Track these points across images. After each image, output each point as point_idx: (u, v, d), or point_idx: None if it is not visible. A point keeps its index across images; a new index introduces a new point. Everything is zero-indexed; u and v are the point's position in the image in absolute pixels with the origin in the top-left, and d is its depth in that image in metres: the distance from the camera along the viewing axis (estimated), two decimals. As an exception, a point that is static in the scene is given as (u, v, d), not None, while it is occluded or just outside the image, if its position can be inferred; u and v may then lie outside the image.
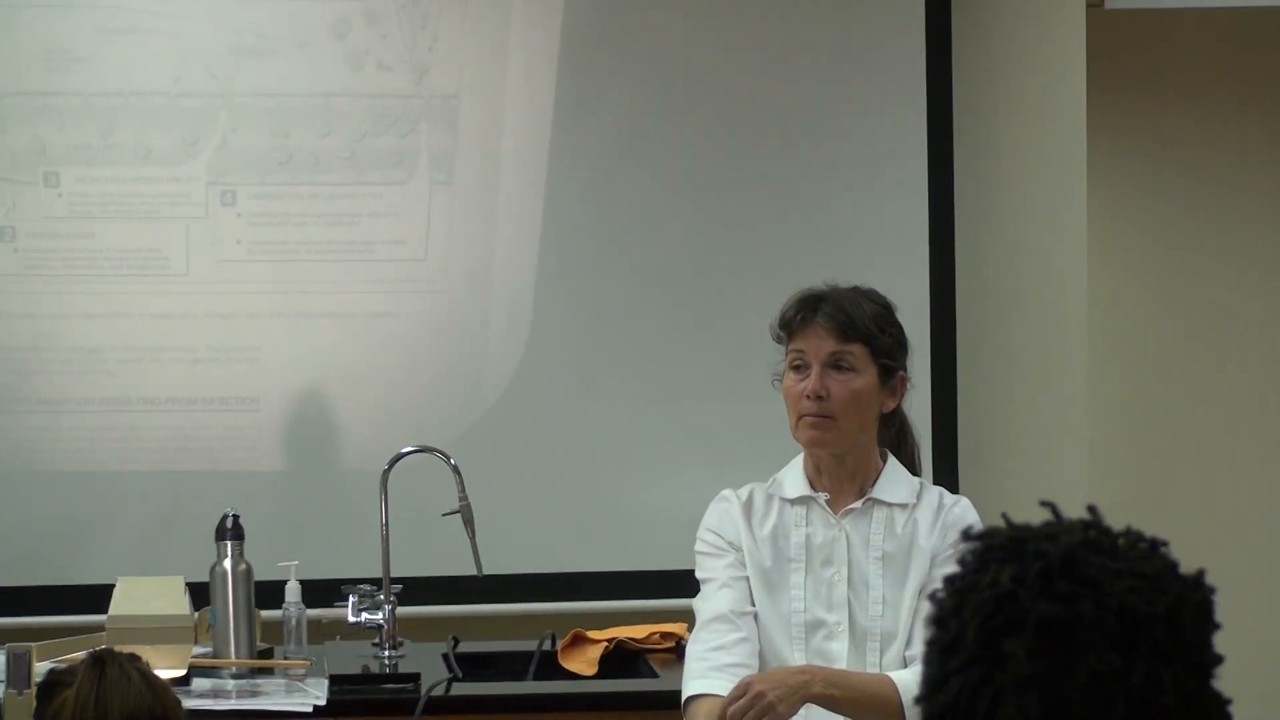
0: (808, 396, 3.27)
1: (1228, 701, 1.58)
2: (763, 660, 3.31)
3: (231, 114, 4.96)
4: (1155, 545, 1.60)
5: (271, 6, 4.97)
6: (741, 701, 3.11)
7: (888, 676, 3.23)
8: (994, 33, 5.15)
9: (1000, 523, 1.66)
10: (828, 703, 3.18)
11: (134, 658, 2.63)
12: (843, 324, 3.27)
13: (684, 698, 3.29)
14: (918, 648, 3.26)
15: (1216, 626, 1.57)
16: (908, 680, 3.20)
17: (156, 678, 2.63)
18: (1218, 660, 1.57)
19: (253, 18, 4.97)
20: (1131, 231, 6.04)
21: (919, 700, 1.63)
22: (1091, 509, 1.62)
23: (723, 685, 3.22)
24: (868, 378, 3.29)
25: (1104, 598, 1.55)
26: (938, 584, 3.27)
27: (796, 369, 3.31)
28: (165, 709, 2.57)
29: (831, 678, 3.20)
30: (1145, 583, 1.55)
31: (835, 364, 3.28)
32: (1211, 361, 6.03)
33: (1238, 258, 6.03)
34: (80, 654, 2.71)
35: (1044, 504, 1.64)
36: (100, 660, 2.59)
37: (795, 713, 3.16)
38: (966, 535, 1.64)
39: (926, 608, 3.22)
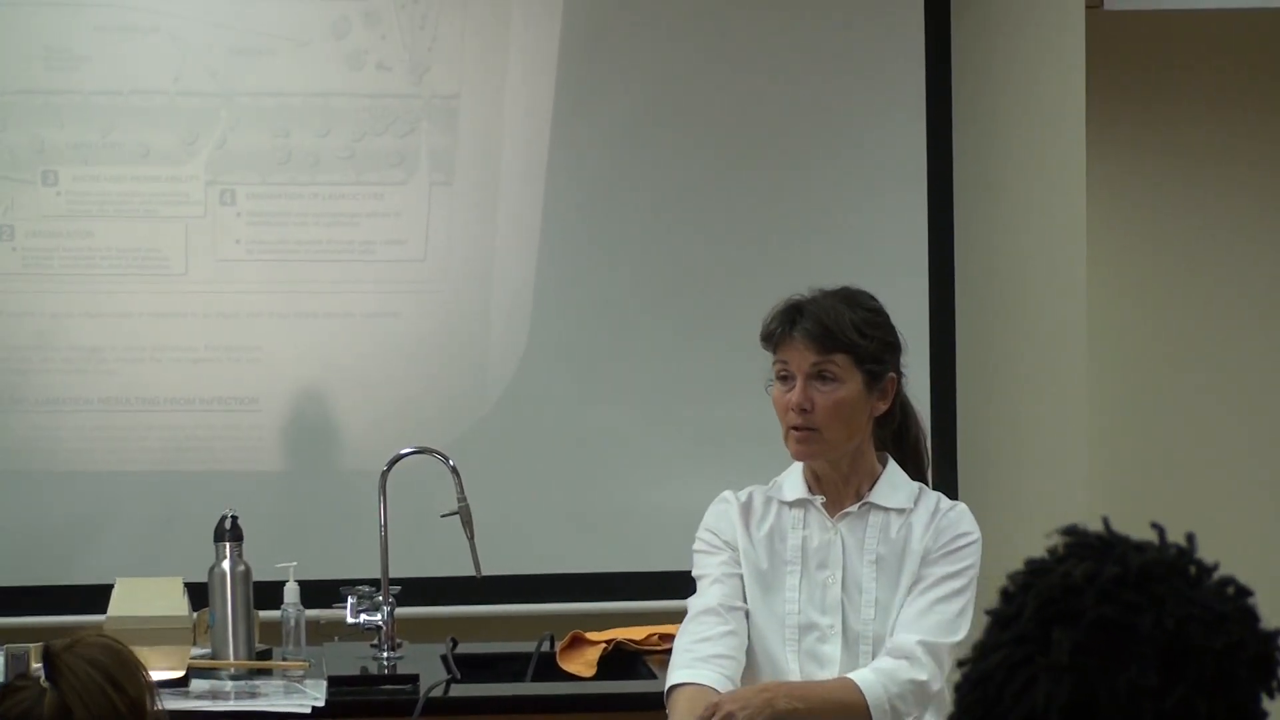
0: (792, 409, 3.28)
1: None
2: (756, 662, 3.33)
3: (231, 113, 4.96)
4: (1242, 591, 1.61)
5: (271, 6, 4.97)
6: None
7: (850, 679, 3.25)
8: (993, 34, 5.15)
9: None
10: (793, 717, 3.19)
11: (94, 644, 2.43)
12: (820, 337, 3.27)
13: (667, 686, 3.31)
14: (896, 638, 3.27)
15: (1276, 688, 1.58)
16: (870, 680, 3.23)
17: (117, 667, 2.43)
18: (1261, 716, 1.58)
19: (252, 17, 4.96)
20: (1131, 232, 6.04)
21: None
22: (1189, 537, 1.64)
23: (706, 675, 3.24)
24: (852, 386, 3.29)
25: (1164, 618, 1.57)
26: (924, 580, 3.31)
27: (783, 380, 3.32)
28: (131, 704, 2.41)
29: (794, 691, 3.22)
30: (1212, 616, 1.57)
31: (818, 375, 3.29)
32: (1212, 364, 6.02)
33: (1237, 259, 6.03)
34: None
35: (1154, 526, 1.65)
36: (52, 664, 2.39)
37: None
38: (1066, 531, 1.66)
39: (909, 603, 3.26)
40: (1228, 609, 1.59)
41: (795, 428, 3.30)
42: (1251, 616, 1.61)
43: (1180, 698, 1.54)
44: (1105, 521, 1.66)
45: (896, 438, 3.43)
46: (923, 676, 3.21)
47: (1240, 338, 6.03)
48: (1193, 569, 1.61)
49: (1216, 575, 1.62)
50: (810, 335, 3.27)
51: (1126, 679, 1.55)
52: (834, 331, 3.27)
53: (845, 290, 3.36)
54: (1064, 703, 1.55)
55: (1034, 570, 1.64)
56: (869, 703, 3.21)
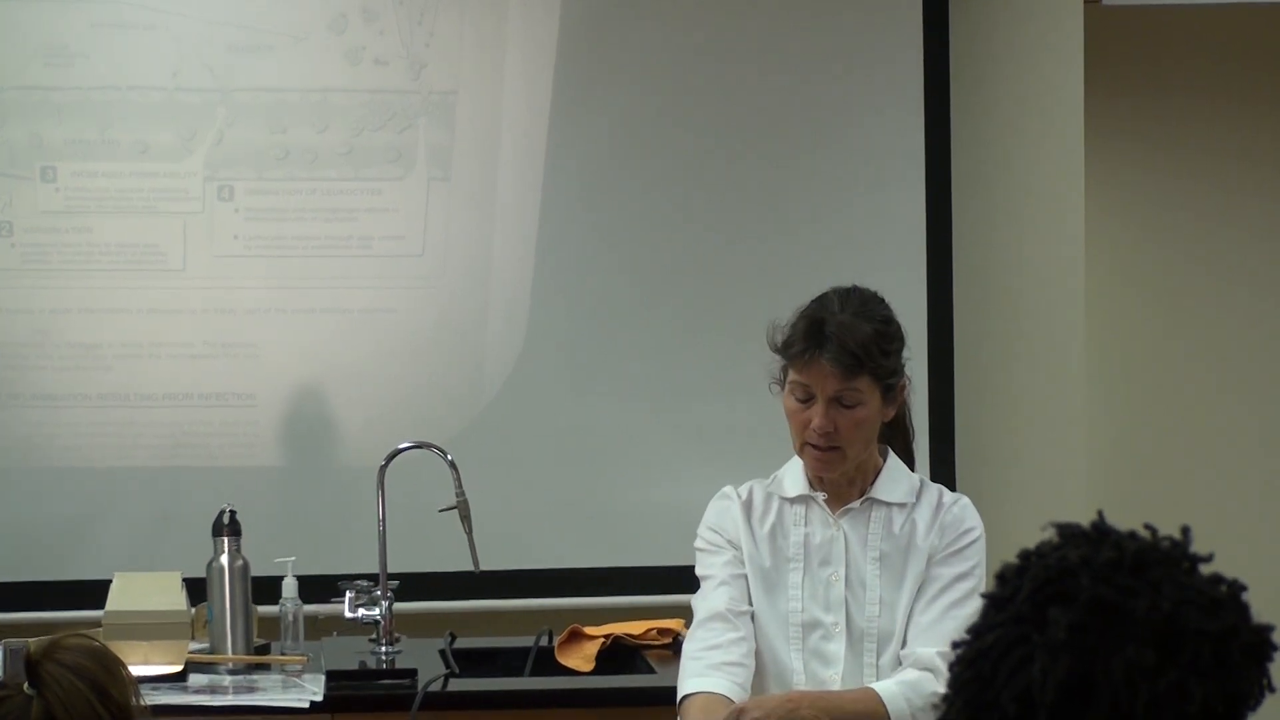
0: (814, 429, 3.25)
1: None
2: (761, 660, 3.32)
3: (229, 109, 4.96)
4: (1235, 586, 1.62)
5: (269, 2, 4.97)
6: None
7: (873, 691, 3.23)
8: (991, 30, 5.15)
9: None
10: None
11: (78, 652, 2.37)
12: (849, 365, 3.22)
13: (679, 696, 3.30)
14: (910, 646, 3.27)
15: (1270, 685, 1.59)
16: (894, 692, 3.22)
17: (102, 678, 2.37)
18: (1254, 703, 1.59)
19: (250, 13, 4.97)
20: (1129, 227, 6.04)
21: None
22: (1184, 530, 1.65)
23: (718, 683, 3.23)
24: (873, 404, 3.26)
25: (1160, 601, 1.59)
26: (934, 583, 3.30)
27: (801, 399, 3.28)
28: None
29: (818, 701, 3.20)
30: (1206, 602, 1.59)
31: (840, 399, 3.26)
32: (1211, 358, 6.02)
33: (1236, 253, 6.03)
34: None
35: (1146, 526, 1.66)
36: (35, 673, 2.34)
37: None
38: (1060, 525, 1.68)
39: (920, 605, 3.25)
40: (1222, 595, 1.60)
41: (816, 446, 3.27)
42: (1245, 606, 1.62)
43: (1175, 679, 1.55)
44: (1099, 514, 1.68)
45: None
46: (945, 689, 3.20)
47: (1240, 333, 6.03)
48: (1186, 563, 1.62)
49: (1208, 568, 1.63)
50: (838, 362, 3.21)
51: (1123, 659, 1.56)
52: (860, 358, 3.22)
53: (858, 295, 3.30)
54: (1061, 680, 1.56)
55: (1029, 554, 1.65)
56: (891, 716, 3.20)
